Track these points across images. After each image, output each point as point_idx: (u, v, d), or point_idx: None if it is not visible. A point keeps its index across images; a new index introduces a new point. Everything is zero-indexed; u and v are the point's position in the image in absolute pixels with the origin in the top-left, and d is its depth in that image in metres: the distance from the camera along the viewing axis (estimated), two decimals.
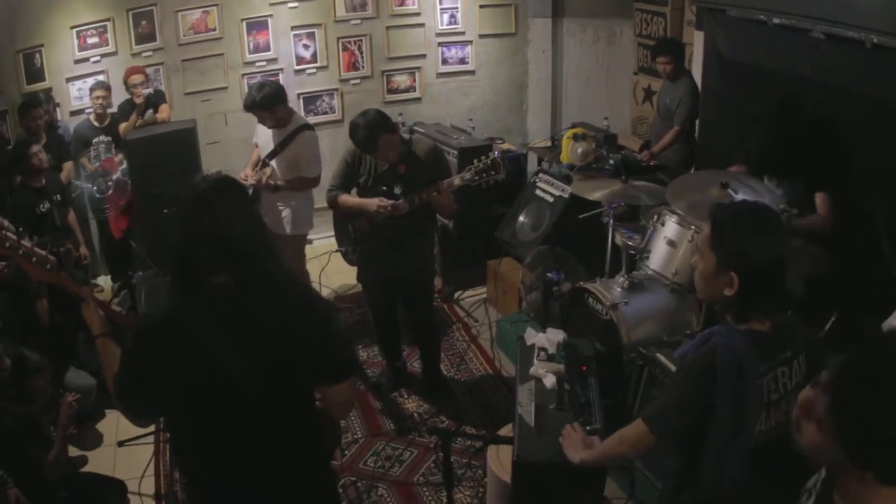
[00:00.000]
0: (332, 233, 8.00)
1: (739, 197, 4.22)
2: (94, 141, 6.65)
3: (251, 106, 5.52)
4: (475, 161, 4.87)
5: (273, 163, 5.77)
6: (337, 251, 5.57)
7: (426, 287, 5.38)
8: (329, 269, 7.20)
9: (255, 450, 2.51)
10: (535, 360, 3.70)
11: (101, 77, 7.04)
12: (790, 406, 2.46)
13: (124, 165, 6.69)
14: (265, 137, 5.81)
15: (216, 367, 2.35)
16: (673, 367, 3.93)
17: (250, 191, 5.77)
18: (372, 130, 4.70)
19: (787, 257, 2.44)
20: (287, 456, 2.56)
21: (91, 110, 6.81)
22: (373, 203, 4.84)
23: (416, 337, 5.64)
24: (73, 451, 4.70)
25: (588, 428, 3.14)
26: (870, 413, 1.57)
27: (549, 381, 3.55)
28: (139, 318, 2.56)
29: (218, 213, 2.42)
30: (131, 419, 2.56)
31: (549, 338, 3.83)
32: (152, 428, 5.08)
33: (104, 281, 7.25)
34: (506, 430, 3.92)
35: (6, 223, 4.20)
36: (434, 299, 5.68)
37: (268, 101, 5.49)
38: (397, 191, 4.88)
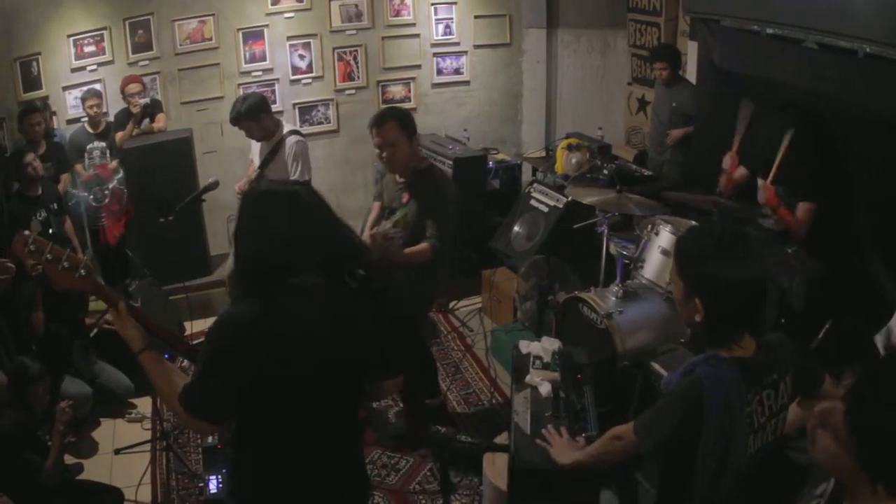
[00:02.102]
0: None
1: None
2: (88, 147, 6.65)
3: (237, 118, 5.55)
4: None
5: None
6: None
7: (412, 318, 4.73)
8: None
9: (316, 437, 2.55)
10: (531, 369, 3.73)
11: (95, 86, 7.06)
12: (777, 426, 2.47)
13: (120, 174, 6.69)
14: (257, 152, 5.83)
15: (298, 363, 2.38)
16: (665, 374, 3.94)
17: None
18: (386, 111, 4.58)
19: (761, 282, 2.36)
20: (340, 443, 2.63)
21: (87, 118, 6.81)
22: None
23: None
24: (70, 459, 4.69)
25: (584, 435, 3.17)
26: (883, 424, 1.56)
27: (545, 389, 3.57)
28: (221, 319, 2.48)
29: (316, 214, 2.48)
30: (204, 428, 2.62)
31: (544, 346, 3.86)
32: (149, 436, 5.11)
33: None
34: (501, 438, 3.95)
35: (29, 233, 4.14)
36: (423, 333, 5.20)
37: (253, 111, 5.52)
38: (398, 216, 4.48)
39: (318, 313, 2.42)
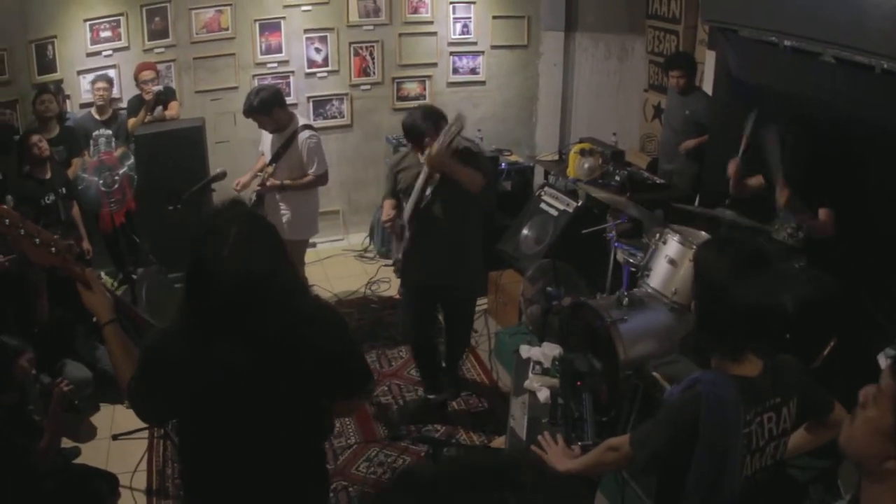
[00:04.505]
0: (338, 237, 8.05)
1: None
2: (94, 134, 6.66)
3: (250, 111, 5.54)
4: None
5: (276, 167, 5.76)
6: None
7: (469, 300, 5.18)
8: (332, 273, 7.22)
9: (260, 459, 2.48)
10: (530, 374, 3.71)
11: (109, 71, 7.08)
12: (778, 450, 2.43)
13: (131, 160, 6.68)
14: (268, 144, 5.81)
15: (233, 385, 2.31)
16: (668, 386, 3.90)
17: (253, 196, 5.75)
18: (427, 115, 4.65)
19: (768, 307, 2.30)
20: (289, 465, 2.54)
21: (94, 103, 6.81)
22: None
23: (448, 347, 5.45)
24: (67, 443, 4.70)
25: (580, 444, 3.13)
26: None
27: (543, 395, 3.55)
28: (155, 331, 2.45)
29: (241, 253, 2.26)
30: (140, 418, 2.57)
31: (545, 352, 3.83)
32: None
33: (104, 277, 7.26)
34: (498, 443, 3.92)
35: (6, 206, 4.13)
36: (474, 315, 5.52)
37: (266, 105, 5.50)
38: (427, 192, 4.61)
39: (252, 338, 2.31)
